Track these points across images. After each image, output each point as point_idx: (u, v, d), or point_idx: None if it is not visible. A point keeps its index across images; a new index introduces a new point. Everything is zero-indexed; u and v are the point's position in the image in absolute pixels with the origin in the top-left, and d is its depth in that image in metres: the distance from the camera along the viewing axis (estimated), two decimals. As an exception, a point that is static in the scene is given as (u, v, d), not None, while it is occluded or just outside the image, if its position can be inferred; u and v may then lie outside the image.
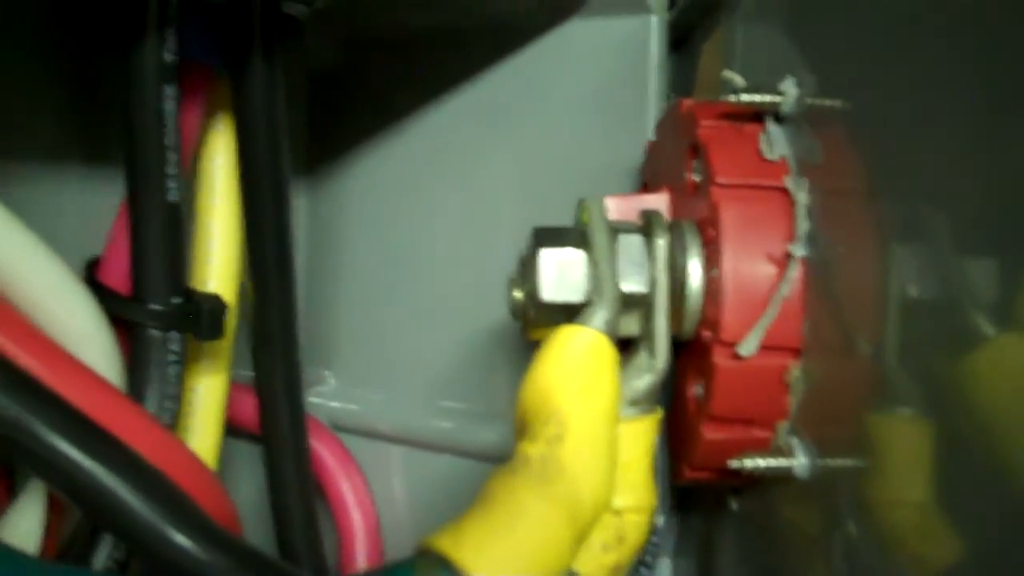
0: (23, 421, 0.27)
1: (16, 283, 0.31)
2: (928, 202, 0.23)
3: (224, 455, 0.39)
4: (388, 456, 0.46)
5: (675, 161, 0.32)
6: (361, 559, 0.44)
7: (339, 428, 0.47)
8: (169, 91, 0.33)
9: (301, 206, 0.49)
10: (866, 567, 0.26)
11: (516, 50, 0.42)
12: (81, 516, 0.33)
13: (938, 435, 0.23)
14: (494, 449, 0.43)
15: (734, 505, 0.32)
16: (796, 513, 0.29)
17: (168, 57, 0.33)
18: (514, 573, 0.24)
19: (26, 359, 0.30)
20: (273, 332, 0.38)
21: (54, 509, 0.33)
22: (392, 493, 0.46)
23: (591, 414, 0.27)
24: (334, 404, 0.48)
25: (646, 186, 0.35)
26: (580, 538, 0.26)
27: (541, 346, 0.28)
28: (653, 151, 0.35)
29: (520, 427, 0.28)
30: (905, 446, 0.24)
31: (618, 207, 0.31)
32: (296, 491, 0.40)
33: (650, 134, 0.36)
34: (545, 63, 0.41)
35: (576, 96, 0.40)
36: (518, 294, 0.31)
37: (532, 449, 0.26)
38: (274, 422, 0.39)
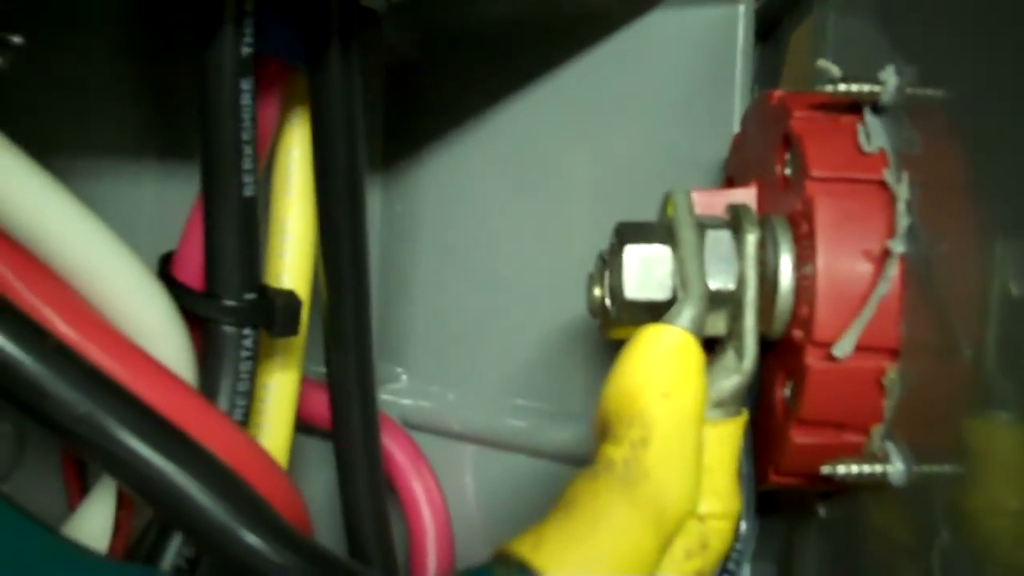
0: (94, 417, 0.27)
1: (90, 278, 0.31)
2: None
3: (294, 452, 0.39)
4: (460, 455, 0.45)
5: (764, 154, 0.30)
6: (431, 559, 0.43)
7: (411, 426, 0.46)
8: (246, 85, 0.32)
9: (375, 203, 0.48)
10: (962, 576, 0.25)
11: (597, 42, 0.41)
12: (151, 514, 0.33)
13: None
14: (568, 449, 0.42)
15: (821, 511, 0.31)
16: (888, 521, 0.28)
17: (245, 50, 0.32)
18: (596, 580, 0.23)
19: (98, 355, 0.30)
20: (347, 330, 0.38)
21: (124, 506, 0.33)
22: (463, 492, 0.45)
23: (677, 417, 0.26)
24: (406, 402, 0.47)
25: (730, 181, 0.34)
26: (664, 545, 0.25)
27: (625, 345, 0.27)
28: (739, 145, 0.34)
29: (602, 429, 0.27)
30: (1005, 452, 0.23)
31: (703, 202, 0.30)
32: (367, 490, 0.39)
33: (735, 128, 0.35)
34: (626, 56, 0.40)
35: (658, 90, 0.39)
36: (598, 292, 0.30)
37: (616, 452, 0.25)
38: (346, 420, 0.39)
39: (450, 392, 0.46)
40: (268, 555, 0.27)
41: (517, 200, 0.44)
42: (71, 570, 0.24)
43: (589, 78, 0.41)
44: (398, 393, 0.47)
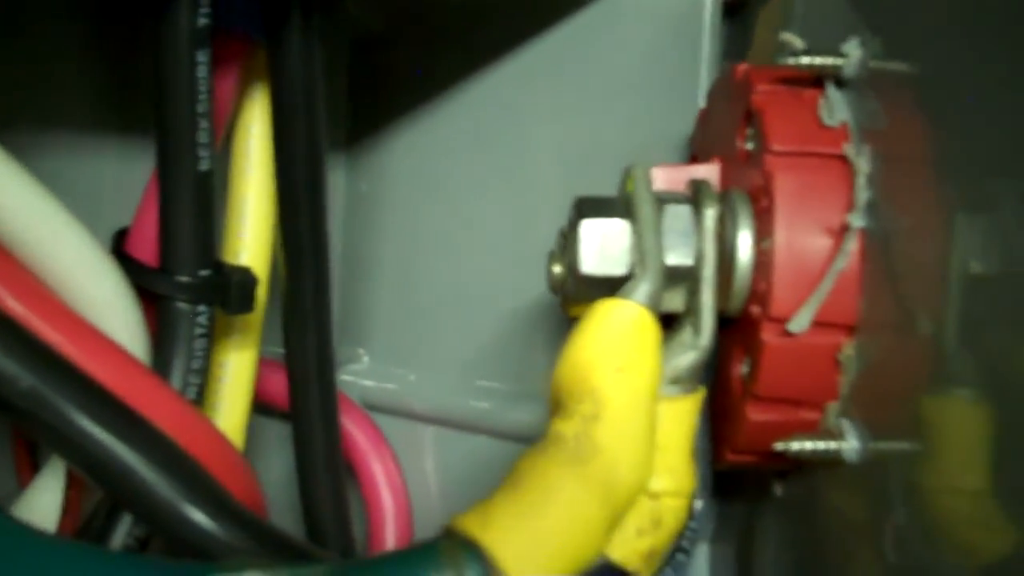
0: (39, 393, 0.26)
1: (38, 251, 0.30)
2: (997, 173, 0.22)
3: (254, 434, 0.38)
4: (421, 436, 0.45)
5: (727, 129, 0.30)
6: (391, 540, 0.43)
7: (372, 407, 0.46)
8: (202, 57, 0.32)
9: (339, 182, 0.48)
10: (916, 555, 0.25)
11: (565, 17, 0.40)
12: (100, 494, 0.32)
13: (998, 420, 0.22)
14: (530, 430, 0.41)
15: (778, 490, 0.30)
16: (844, 499, 0.27)
17: (201, 22, 0.31)
18: (543, 556, 0.23)
19: (45, 329, 0.29)
20: (306, 308, 0.37)
21: (73, 485, 0.32)
22: (424, 474, 0.45)
23: (630, 392, 0.25)
24: (367, 383, 0.46)
25: (695, 158, 0.34)
26: (614, 522, 0.25)
27: (580, 320, 0.26)
28: (704, 120, 0.34)
29: (554, 405, 0.26)
30: (963, 431, 0.23)
31: (666, 178, 0.30)
32: (325, 471, 0.39)
33: (702, 104, 0.35)
34: (594, 31, 0.39)
35: (625, 65, 0.38)
36: (557, 268, 0.30)
37: (566, 427, 0.25)
38: (305, 400, 0.38)
39: (412, 373, 0.46)
40: (215, 532, 0.27)
41: (482, 178, 0.43)
42: (17, 550, 0.24)
43: (556, 53, 0.41)
44: (359, 374, 0.47)
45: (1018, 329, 0.21)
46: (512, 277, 0.42)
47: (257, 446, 0.43)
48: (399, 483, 0.43)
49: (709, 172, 0.31)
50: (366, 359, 0.47)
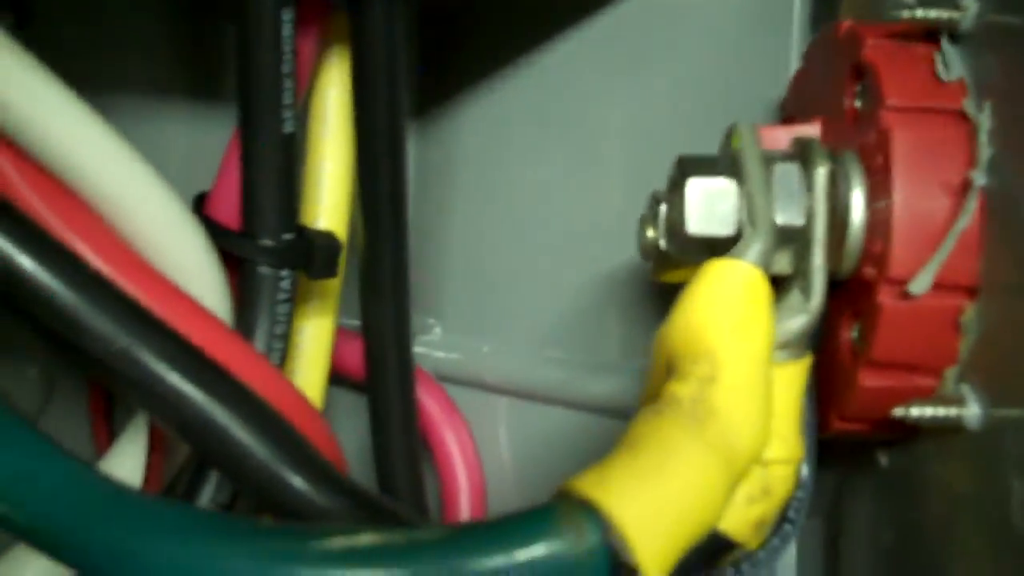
0: (132, 352, 0.26)
1: (125, 212, 0.30)
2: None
3: (326, 404, 0.38)
4: (494, 407, 0.45)
5: (830, 88, 0.29)
6: (465, 511, 0.43)
7: (444, 378, 0.45)
8: (287, 16, 0.31)
9: (410, 152, 0.47)
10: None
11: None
12: (183, 459, 0.32)
13: None
14: (603, 401, 0.41)
15: (883, 460, 0.30)
16: (959, 469, 0.27)
17: (286, -19, 0.31)
18: (666, 520, 0.22)
19: (132, 290, 0.29)
20: (384, 276, 0.37)
21: (155, 450, 0.32)
22: (497, 445, 0.44)
23: (746, 354, 0.25)
24: (439, 354, 0.46)
25: (790, 120, 0.33)
26: (733, 488, 0.24)
27: (690, 282, 0.25)
28: (799, 81, 0.33)
29: (664, 367, 0.25)
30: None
31: (764, 137, 0.29)
32: (402, 441, 0.38)
33: (791, 67, 0.34)
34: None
35: (707, 28, 0.38)
36: (651, 232, 0.29)
37: (682, 389, 0.24)
38: (382, 370, 0.38)
39: (484, 344, 0.45)
40: (314, 497, 0.26)
41: (554, 148, 0.43)
42: (125, 512, 0.23)
43: (632, 20, 0.40)
44: (431, 345, 0.46)
45: None
46: (584, 247, 0.42)
47: (329, 416, 0.43)
48: (473, 455, 0.43)
49: (810, 132, 0.30)
50: (438, 330, 0.47)
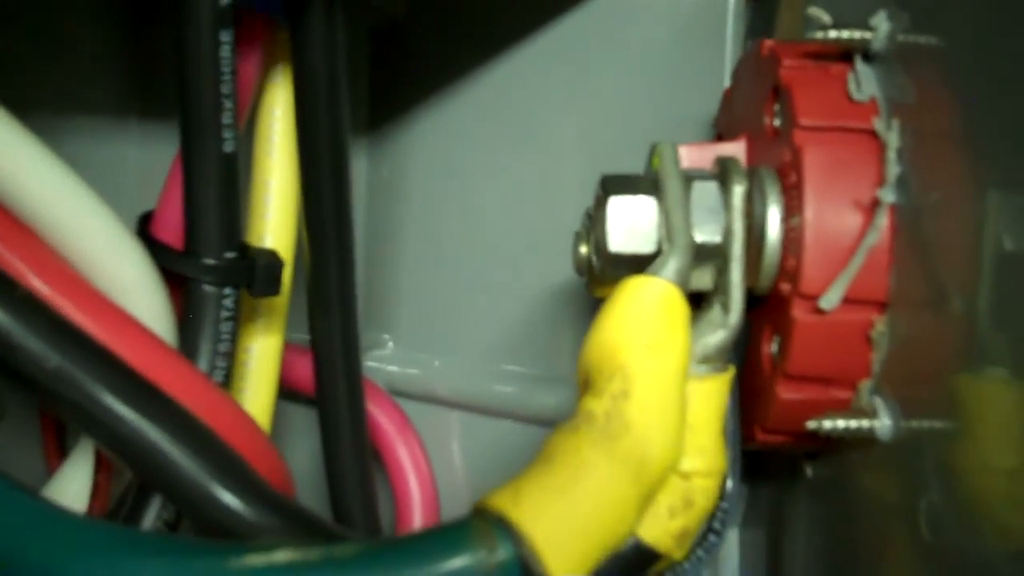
0: (65, 371, 0.26)
1: (64, 233, 0.30)
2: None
3: (279, 420, 0.38)
4: (447, 421, 0.45)
5: (754, 106, 0.30)
6: (418, 525, 0.43)
7: (397, 393, 0.46)
8: (225, 36, 0.31)
9: (362, 167, 0.48)
10: (951, 536, 0.24)
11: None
12: (129, 477, 0.32)
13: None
14: (556, 413, 0.41)
15: (809, 471, 0.30)
16: (877, 479, 0.27)
17: (224, 1, 0.31)
18: (576, 534, 0.23)
19: (72, 311, 0.29)
20: (331, 292, 0.37)
21: (102, 469, 0.32)
22: (450, 459, 0.45)
23: (660, 369, 0.25)
24: (392, 368, 0.46)
25: (720, 137, 0.34)
26: (645, 500, 0.24)
27: (608, 298, 0.26)
28: (729, 99, 0.33)
29: (584, 383, 0.26)
30: (998, 409, 0.23)
31: (692, 156, 0.30)
32: (352, 455, 0.38)
33: (727, 83, 0.35)
34: (615, 12, 0.39)
35: (647, 46, 0.38)
36: (584, 249, 0.30)
37: (596, 405, 0.25)
38: (331, 384, 0.38)
39: (437, 358, 0.46)
40: (243, 513, 0.27)
41: (505, 162, 0.43)
42: (51, 531, 0.24)
43: (579, 35, 0.40)
44: (384, 360, 0.47)
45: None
46: (536, 261, 0.42)
47: (283, 432, 0.43)
48: (425, 468, 0.43)
49: (736, 150, 0.30)
50: (391, 344, 0.47)
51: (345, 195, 0.36)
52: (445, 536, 0.23)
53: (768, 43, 0.29)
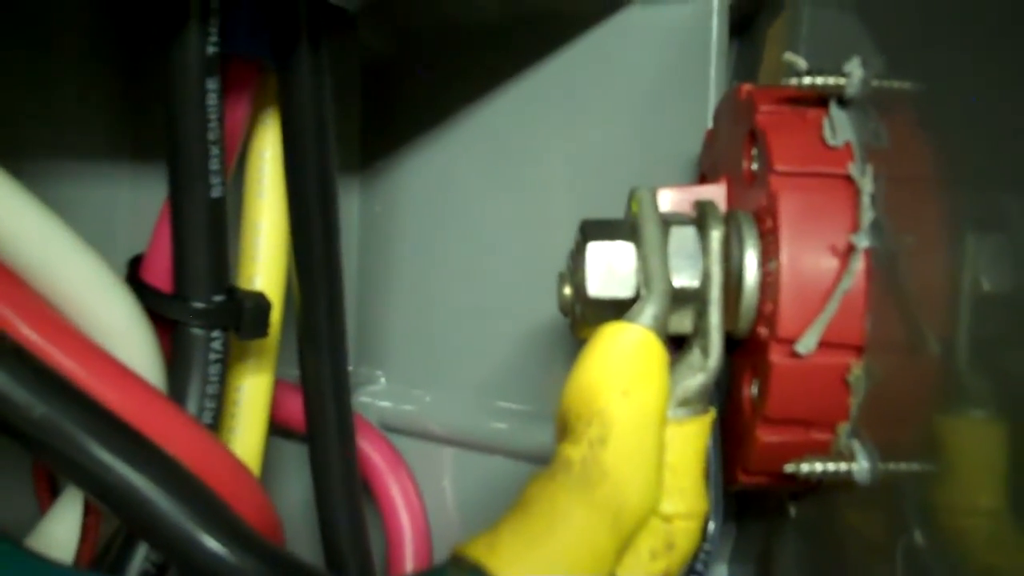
0: (51, 421, 0.26)
1: (51, 279, 0.30)
2: (1006, 188, 0.22)
3: (273, 457, 0.38)
4: (439, 457, 0.45)
5: (733, 149, 0.30)
6: (409, 562, 0.43)
7: (390, 429, 0.46)
8: (212, 84, 0.32)
9: (354, 205, 0.48)
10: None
11: (572, 39, 0.40)
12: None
13: (1014, 439, 0.22)
14: (549, 450, 0.41)
15: (792, 511, 0.30)
16: (858, 519, 0.27)
17: (211, 50, 0.32)
18: (552, 583, 0.23)
19: (60, 357, 0.29)
20: (320, 331, 0.37)
21: (91, 511, 0.32)
22: (442, 495, 0.45)
23: (637, 416, 0.25)
24: (385, 404, 0.47)
25: (704, 177, 0.34)
26: (622, 546, 0.25)
27: (586, 344, 0.26)
28: (711, 140, 0.34)
29: (561, 429, 0.26)
30: (978, 450, 0.23)
31: (673, 199, 0.30)
32: (343, 493, 0.39)
33: (710, 123, 0.35)
34: (602, 51, 0.39)
35: (633, 85, 0.38)
36: (568, 290, 0.30)
37: (573, 452, 0.25)
38: (321, 422, 0.38)
39: (429, 394, 0.46)
40: (228, 560, 0.27)
41: (496, 199, 0.44)
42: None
43: (565, 74, 0.41)
44: (377, 395, 0.47)
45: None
46: (528, 297, 0.42)
47: (277, 469, 0.43)
48: (417, 504, 0.44)
49: (716, 192, 0.30)
50: (383, 380, 0.47)
51: (334, 235, 0.36)
52: (422, 584, 0.23)
53: (746, 87, 0.30)
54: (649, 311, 0.26)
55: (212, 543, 0.27)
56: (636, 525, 0.25)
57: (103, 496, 0.27)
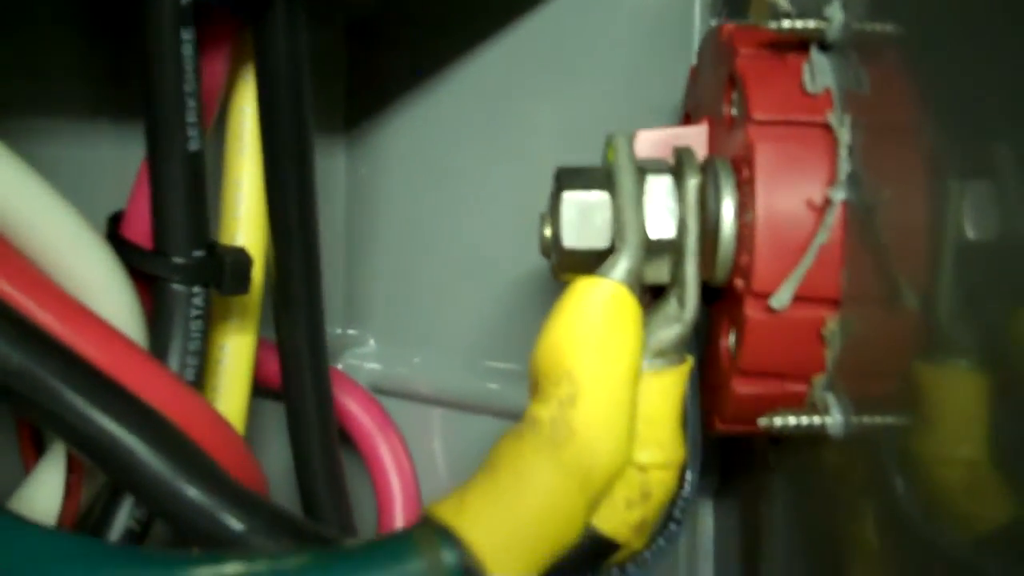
0: (28, 371, 0.26)
1: (29, 235, 0.30)
2: (992, 135, 0.21)
3: (258, 418, 0.38)
4: (429, 418, 0.45)
5: (714, 91, 0.29)
6: (399, 521, 0.43)
7: (379, 391, 0.46)
8: (187, 35, 0.31)
9: (340, 166, 0.47)
10: (913, 525, 0.24)
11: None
12: (102, 479, 0.33)
13: (993, 388, 0.21)
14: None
15: (771, 458, 0.30)
16: (835, 468, 0.27)
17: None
18: (519, 541, 0.23)
19: (38, 311, 0.29)
20: (295, 290, 0.37)
21: (74, 469, 0.32)
22: (432, 456, 0.45)
23: (607, 374, 0.25)
24: (374, 366, 0.46)
25: (688, 117, 0.33)
26: (592, 505, 0.24)
27: (557, 300, 0.26)
28: (693, 79, 0.33)
29: (533, 387, 0.26)
30: (956, 400, 0.23)
31: (654, 142, 0.29)
32: (321, 453, 0.38)
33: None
34: (588, 4, 0.39)
35: (618, 33, 0.38)
36: (548, 232, 0.29)
37: (542, 411, 0.24)
38: (298, 383, 0.38)
39: (418, 355, 0.46)
40: (210, 508, 0.26)
41: (481, 157, 0.43)
42: (14, 544, 0.24)
43: (551, 27, 0.40)
44: (366, 357, 0.47)
45: (1017, 295, 0.20)
46: (515, 256, 0.42)
47: (262, 430, 0.43)
48: (407, 465, 0.43)
49: (697, 134, 0.30)
50: (372, 342, 0.47)
51: (310, 194, 0.36)
52: (390, 545, 0.23)
53: (728, 28, 0.29)
54: (622, 265, 0.25)
55: (194, 492, 0.26)
56: (607, 483, 0.24)
57: (81, 445, 0.27)
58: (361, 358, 0.47)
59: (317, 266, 0.37)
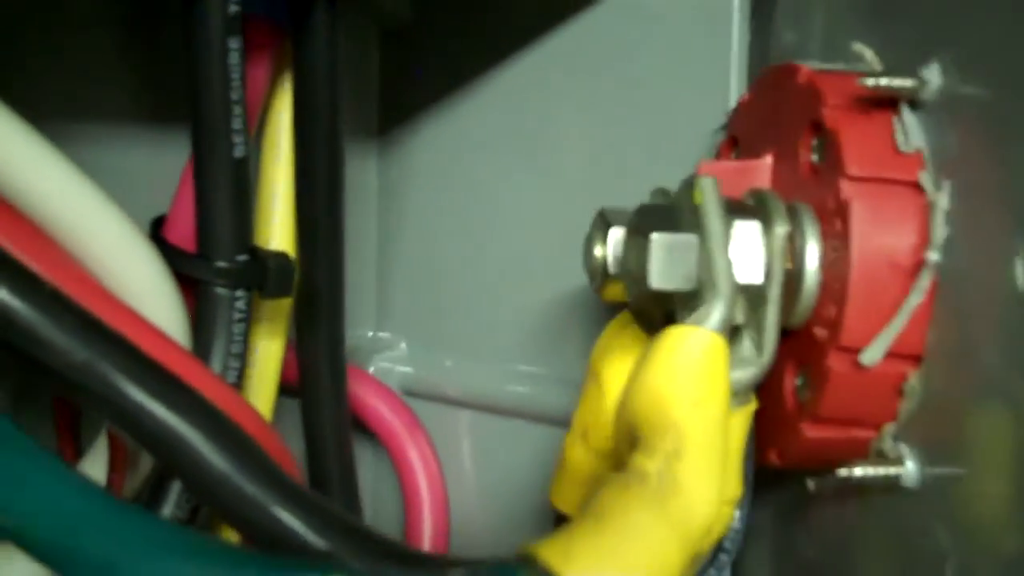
0: (93, 365, 0.25)
1: (79, 237, 0.30)
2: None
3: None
4: (457, 422, 0.45)
5: (783, 130, 0.29)
6: (427, 525, 0.43)
7: (410, 393, 0.46)
8: (234, 44, 0.31)
9: (372, 170, 0.47)
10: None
11: (591, 5, 0.39)
12: (143, 478, 0.32)
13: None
14: (565, 414, 0.41)
15: (811, 485, 0.30)
16: (882, 510, 0.28)
17: (232, 9, 0.31)
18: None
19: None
20: (319, 297, 0.37)
21: (116, 469, 0.32)
22: (460, 459, 0.45)
23: (708, 425, 0.25)
24: (405, 369, 0.46)
25: (734, 140, 0.33)
26: (691, 561, 0.24)
27: (652, 348, 0.26)
28: (748, 108, 0.33)
29: (627, 434, 0.26)
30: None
31: (716, 173, 0.29)
32: (335, 453, 0.39)
33: (731, 88, 0.34)
34: (621, 18, 0.39)
35: (652, 53, 0.38)
36: (599, 251, 0.29)
37: (649, 464, 0.24)
38: (315, 385, 0.38)
39: (448, 359, 0.45)
40: (270, 508, 0.25)
41: (514, 164, 0.43)
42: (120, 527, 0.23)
43: (584, 42, 0.40)
44: (397, 361, 0.47)
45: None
46: (546, 262, 0.42)
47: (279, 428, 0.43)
48: (435, 468, 0.44)
49: (761, 170, 0.30)
50: (403, 346, 0.47)
51: (338, 202, 0.36)
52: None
53: (805, 70, 0.29)
54: (716, 314, 0.25)
55: (251, 488, 0.25)
56: (702, 540, 0.24)
57: (145, 440, 0.26)
58: (393, 361, 0.47)
59: (341, 275, 0.37)
